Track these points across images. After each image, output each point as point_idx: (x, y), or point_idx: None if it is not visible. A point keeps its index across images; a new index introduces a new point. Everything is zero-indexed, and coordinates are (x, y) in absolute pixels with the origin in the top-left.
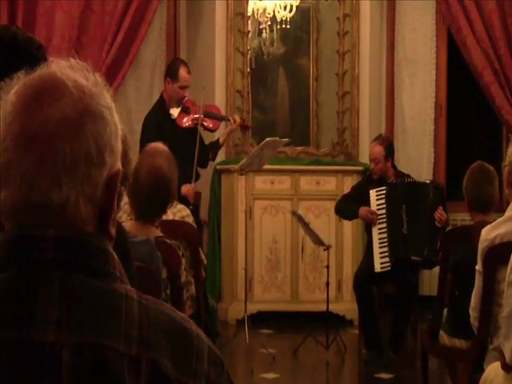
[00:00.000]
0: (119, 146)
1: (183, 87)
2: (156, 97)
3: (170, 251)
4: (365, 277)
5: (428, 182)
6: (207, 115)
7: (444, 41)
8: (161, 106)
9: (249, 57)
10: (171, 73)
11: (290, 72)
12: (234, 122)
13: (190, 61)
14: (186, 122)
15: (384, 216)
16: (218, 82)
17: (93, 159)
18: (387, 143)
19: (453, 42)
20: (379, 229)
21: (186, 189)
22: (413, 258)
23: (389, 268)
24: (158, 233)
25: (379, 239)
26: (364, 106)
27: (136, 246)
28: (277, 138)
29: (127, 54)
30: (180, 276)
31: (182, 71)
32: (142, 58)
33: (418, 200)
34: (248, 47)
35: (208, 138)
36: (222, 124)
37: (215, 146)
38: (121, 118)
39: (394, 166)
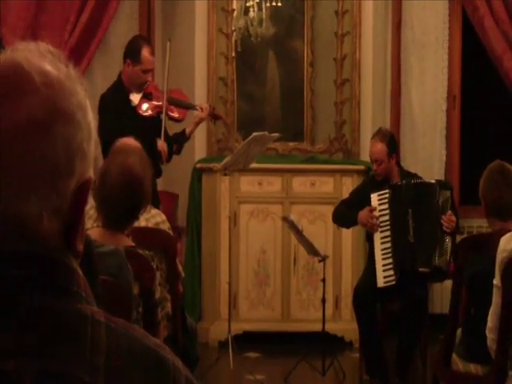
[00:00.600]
0: (92, 151)
1: (146, 71)
2: None
3: (142, 263)
4: (366, 292)
5: (433, 181)
6: (172, 102)
7: (458, 21)
8: (119, 89)
9: (234, 39)
10: (132, 53)
11: (281, 56)
12: (202, 110)
13: (167, 44)
14: (148, 110)
15: (387, 223)
16: (198, 67)
17: (61, 167)
18: (389, 138)
19: (468, 22)
20: (382, 237)
21: (161, 143)
22: (421, 269)
23: (393, 282)
24: (129, 242)
25: (382, 249)
26: (366, 95)
27: (103, 258)
28: (266, 133)
29: (93, 36)
30: (154, 292)
31: (145, 52)
32: (110, 40)
33: (425, 203)
34: (233, 28)
35: (172, 129)
36: (190, 113)
37: (180, 137)
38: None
39: (398, 164)
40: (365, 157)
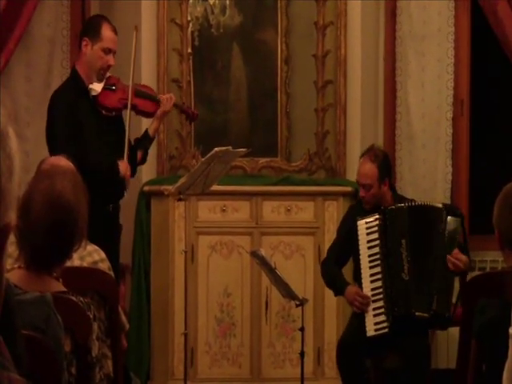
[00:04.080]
0: (14, 190)
1: (107, 50)
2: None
3: (75, 313)
4: (353, 345)
5: (440, 205)
6: (139, 95)
7: (466, 8)
8: (74, 82)
9: (190, 31)
10: (90, 30)
11: (248, 52)
12: (166, 100)
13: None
14: (112, 100)
15: (378, 256)
16: (145, 67)
17: None
18: (381, 159)
19: (478, 9)
20: (372, 275)
21: (125, 166)
22: (418, 314)
23: (386, 330)
24: (59, 286)
25: (372, 289)
26: (353, 100)
27: (26, 308)
28: (230, 148)
29: (12, 28)
30: (90, 348)
31: (106, 29)
32: (34, 33)
33: (425, 231)
34: (189, 18)
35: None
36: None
37: (143, 141)
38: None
39: (391, 188)
40: (352, 176)
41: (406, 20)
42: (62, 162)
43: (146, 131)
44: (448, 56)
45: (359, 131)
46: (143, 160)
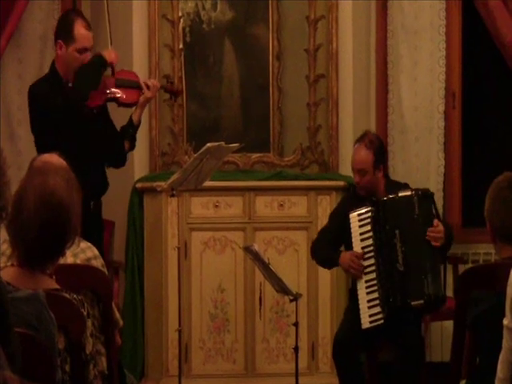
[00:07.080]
0: None
1: (83, 50)
2: None
3: (69, 310)
4: (349, 340)
5: (409, 192)
6: (120, 84)
7: (457, 1)
8: (51, 77)
9: (181, 26)
10: (63, 32)
11: (240, 48)
12: (148, 88)
13: (97, 35)
14: (92, 99)
15: (371, 248)
16: (136, 63)
17: None
18: (377, 145)
19: (469, 2)
20: (366, 267)
21: (112, 54)
22: (413, 303)
23: (381, 322)
24: (52, 284)
25: (366, 282)
26: (346, 94)
27: (18, 305)
28: (222, 143)
29: (4, 25)
30: (84, 345)
31: (79, 27)
32: (25, 29)
33: (407, 220)
34: (180, 13)
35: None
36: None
37: (128, 129)
38: None
39: (385, 175)
40: (345, 170)
41: (398, 13)
42: (55, 159)
43: (131, 119)
44: (439, 49)
45: (351, 125)
46: (132, 147)
